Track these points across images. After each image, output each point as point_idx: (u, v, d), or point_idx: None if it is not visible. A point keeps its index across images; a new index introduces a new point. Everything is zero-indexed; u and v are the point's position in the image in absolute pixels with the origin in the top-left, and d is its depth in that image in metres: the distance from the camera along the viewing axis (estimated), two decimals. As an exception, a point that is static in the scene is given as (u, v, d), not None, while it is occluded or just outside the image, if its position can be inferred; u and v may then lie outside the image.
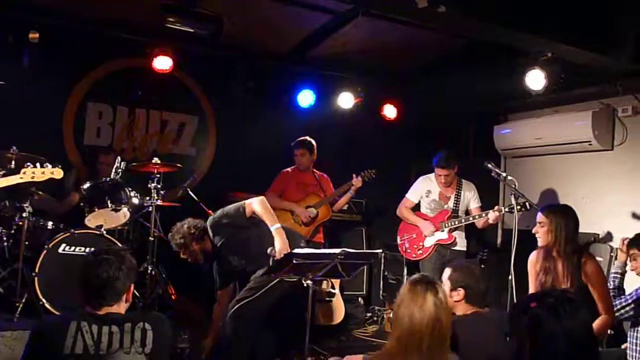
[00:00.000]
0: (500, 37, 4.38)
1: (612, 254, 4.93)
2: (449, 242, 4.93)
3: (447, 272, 2.98)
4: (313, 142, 5.23)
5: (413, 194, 5.20)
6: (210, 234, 4.00)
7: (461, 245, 5.03)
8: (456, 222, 4.92)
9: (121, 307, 2.24)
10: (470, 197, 5.08)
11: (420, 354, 2.05)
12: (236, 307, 3.82)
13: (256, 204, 3.91)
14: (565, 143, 5.37)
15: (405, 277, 5.83)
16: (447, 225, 4.93)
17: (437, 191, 5.08)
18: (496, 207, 4.74)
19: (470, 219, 4.90)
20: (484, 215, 4.80)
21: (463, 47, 5.38)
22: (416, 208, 5.21)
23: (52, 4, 4.90)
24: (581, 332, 1.64)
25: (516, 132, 5.91)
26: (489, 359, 2.40)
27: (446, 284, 2.90)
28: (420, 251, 5.00)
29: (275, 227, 3.81)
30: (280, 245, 3.73)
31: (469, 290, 2.86)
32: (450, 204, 5.03)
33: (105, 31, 5.21)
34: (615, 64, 4.64)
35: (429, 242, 4.98)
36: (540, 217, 3.44)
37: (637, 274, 3.47)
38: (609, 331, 3.68)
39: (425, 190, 5.13)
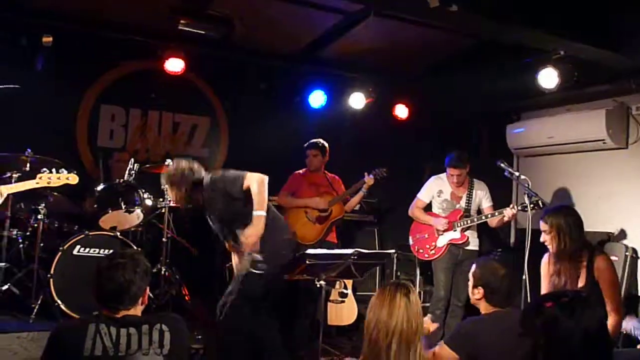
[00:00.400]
0: (513, 35, 4.36)
1: (627, 253, 4.89)
2: (462, 242, 4.91)
3: (472, 267, 2.95)
4: (326, 144, 5.22)
5: (425, 194, 5.18)
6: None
7: (474, 244, 5.00)
8: (468, 222, 4.89)
9: (137, 310, 2.27)
10: (482, 197, 5.05)
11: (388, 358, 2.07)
12: (224, 307, 3.73)
13: (254, 181, 3.67)
14: (578, 142, 5.33)
15: (417, 277, 5.83)
16: (459, 224, 4.91)
17: (449, 191, 5.05)
18: (512, 205, 4.72)
19: (483, 217, 4.87)
20: (497, 214, 4.78)
21: (474, 46, 5.36)
22: (428, 208, 5.19)
23: (64, 7, 4.94)
24: (597, 331, 1.64)
25: (529, 131, 5.88)
26: (508, 358, 2.37)
27: (470, 280, 2.89)
28: (433, 251, 4.98)
29: (257, 213, 3.59)
30: (251, 231, 3.56)
31: (488, 289, 2.82)
32: (463, 203, 5.00)
33: (117, 34, 5.24)
34: (628, 61, 4.59)
35: (442, 241, 4.95)
36: (542, 224, 3.41)
37: None
38: (622, 331, 3.64)
39: (437, 190, 5.11)
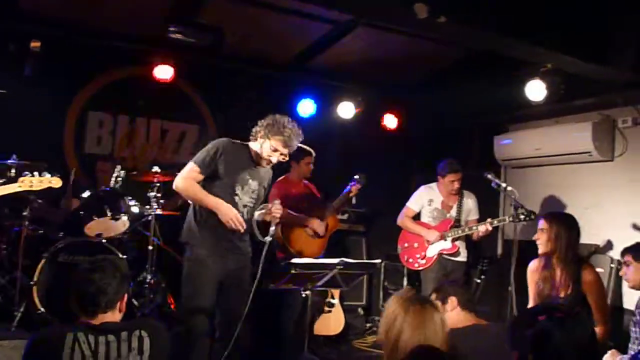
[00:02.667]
0: (501, 47, 4.39)
1: (612, 265, 4.92)
2: (453, 252, 4.89)
3: (432, 296, 2.95)
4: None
5: (414, 203, 5.17)
6: None
7: (463, 256, 5.00)
8: (459, 232, 4.88)
9: (116, 316, 2.24)
10: (472, 207, 5.06)
11: None
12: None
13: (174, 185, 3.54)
14: (565, 154, 5.37)
15: (404, 288, 5.81)
16: (450, 234, 4.89)
17: (440, 200, 5.05)
18: (488, 220, 4.69)
19: (474, 228, 4.83)
20: (479, 226, 4.76)
21: (463, 58, 5.40)
22: (416, 217, 5.19)
23: (54, 14, 4.92)
24: (589, 345, 1.65)
25: (517, 142, 5.92)
26: None
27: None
28: (424, 260, 4.96)
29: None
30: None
31: (458, 296, 2.88)
32: (453, 212, 5.00)
33: (106, 41, 5.23)
34: (615, 75, 4.64)
35: (432, 251, 4.94)
36: (541, 223, 3.43)
37: (625, 281, 3.33)
38: (609, 342, 3.65)
39: (428, 199, 5.10)
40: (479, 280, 5.50)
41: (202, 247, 3.50)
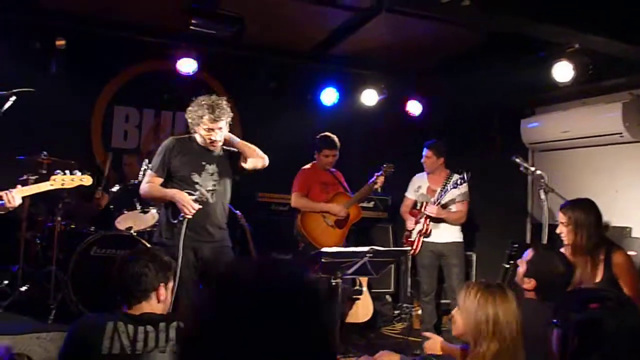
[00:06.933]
0: (526, 29, 4.31)
1: (646, 247, 4.82)
2: (425, 232, 4.93)
3: (529, 254, 2.79)
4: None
5: (409, 191, 5.28)
6: None
7: (453, 236, 4.98)
8: (425, 209, 4.92)
9: (154, 307, 2.26)
10: (457, 192, 4.97)
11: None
12: None
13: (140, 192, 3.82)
14: (595, 135, 5.26)
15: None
16: (422, 215, 4.95)
17: (426, 185, 5.11)
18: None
19: (432, 200, 4.92)
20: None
21: (487, 40, 5.31)
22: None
23: (77, 10, 4.98)
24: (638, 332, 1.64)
25: (544, 125, 5.81)
26: (532, 340, 2.34)
27: (522, 266, 2.77)
28: (412, 247, 5.02)
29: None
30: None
31: (540, 282, 2.69)
32: (436, 196, 4.97)
33: (129, 35, 5.28)
34: (644, 54, 4.53)
35: (413, 236, 5.03)
36: (560, 216, 3.37)
37: None
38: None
39: (417, 185, 5.19)
40: (507, 266, 5.44)
41: (172, 242, 3.56)
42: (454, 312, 2.37)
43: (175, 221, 3.53)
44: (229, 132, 3.87)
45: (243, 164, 3.82)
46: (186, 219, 3.50)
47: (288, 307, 0.99)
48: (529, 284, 2.72)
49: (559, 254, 2.86)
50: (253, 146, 3.86)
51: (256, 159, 3.81)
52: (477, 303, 2.17)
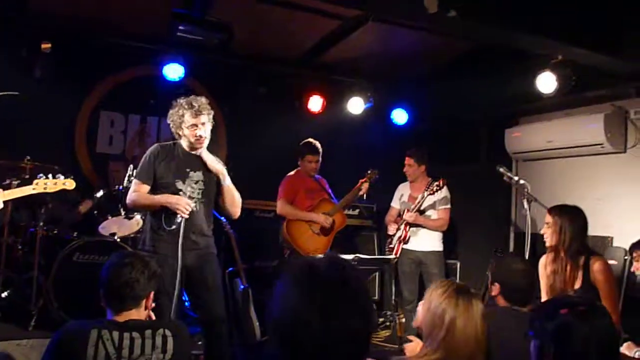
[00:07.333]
0: (511, 40, 4.36)
1: (626, 257, 4.89)
2: (404, 238, 4.98)
3: (493, 263, 2.94)
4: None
5: (394, 201, 5.34)
6: None
7: (432, 246, 5.02)
8: (406, 216, 4.97)
9: (141, 314, 2.25)
10: (436, 199, 5.02)
11: None
12: None
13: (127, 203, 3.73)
14: (577, 146, 5.33)
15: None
16: (402, 222, 5.00)
17: (408, 194, 5.17)
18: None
19: (410, 207, 4.98)
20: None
21: (473, 51, 5.37)
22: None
23: (63, 14, 4.95)
24: (611, 337, 1.66)
25: (527, 135, 5.88)
26: (510, 354, 2.36)
27: (489, 275, 2.88)
28: (393, 252, 5.04)
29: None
30: None
31: (504, 286, 2.78)
32: (415, 203, 5.01)
33: (116, 41, 5.26)
34: (626, 66, 4.60)
35: (394, 242, 5.07)
36: (547, 216, 3.43)
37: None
38: (624, 335, 3.64)
39: (400, 194, 5.25)
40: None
41: (161, 250, 3.51)
42: (420, 302, 2.38)
43: (173, 227, 3.44)
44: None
45: (218, 198, 3.76)
46: (183, 220, 3.43)
47: (353, 289, 1.32)
48: (495, 289, 2.81)
49: (516, 255, 2.94)
50: (238, 197, 3.75)
51: (232, 208, 3.75)
52: (441, 300, 2.15)
